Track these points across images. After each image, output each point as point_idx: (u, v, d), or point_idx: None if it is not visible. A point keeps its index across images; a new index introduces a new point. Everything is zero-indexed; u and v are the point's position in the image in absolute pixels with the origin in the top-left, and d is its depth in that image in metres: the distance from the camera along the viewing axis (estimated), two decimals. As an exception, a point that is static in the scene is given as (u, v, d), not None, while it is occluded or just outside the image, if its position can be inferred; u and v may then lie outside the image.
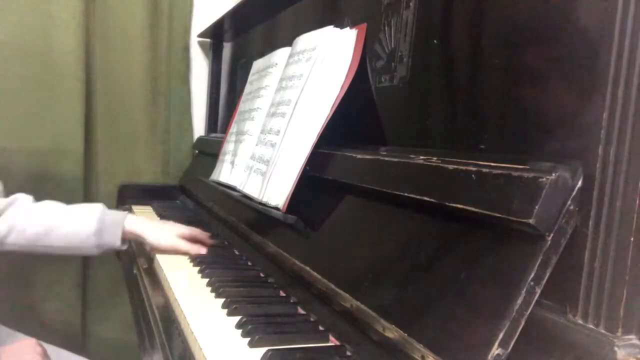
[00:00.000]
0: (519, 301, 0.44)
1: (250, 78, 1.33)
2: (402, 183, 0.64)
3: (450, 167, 0.57)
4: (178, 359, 0.70)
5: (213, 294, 0.85)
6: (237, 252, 1.13)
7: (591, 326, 0.44)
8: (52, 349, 1.10)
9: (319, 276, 0.72)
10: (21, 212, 1.08)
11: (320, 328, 0.73)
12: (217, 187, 1.23)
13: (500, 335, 0.44)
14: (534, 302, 0.45)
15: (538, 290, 0.45)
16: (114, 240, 1.09)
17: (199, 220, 1.47)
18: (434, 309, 0.52)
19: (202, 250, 1.08)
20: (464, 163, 0.55)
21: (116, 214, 1.13)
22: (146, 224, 1.12)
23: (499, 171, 0.50)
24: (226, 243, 1.21)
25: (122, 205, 1.72)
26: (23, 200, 1.12)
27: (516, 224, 0.47)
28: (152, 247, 1.10)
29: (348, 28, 0.90)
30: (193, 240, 1.11)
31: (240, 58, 1.72)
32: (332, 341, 0.70)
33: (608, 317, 0.44)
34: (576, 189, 0.46)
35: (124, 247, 1.12)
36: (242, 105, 1.30)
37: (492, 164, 0.52)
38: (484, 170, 0.52)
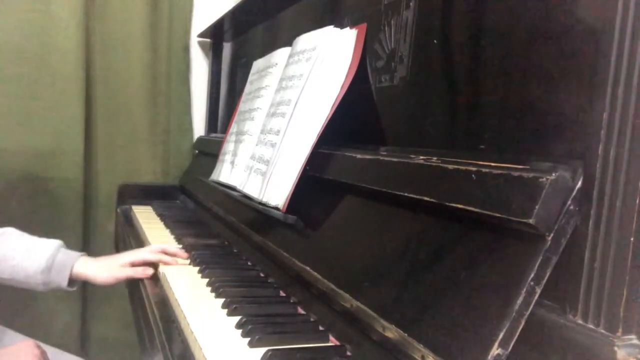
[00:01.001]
0: (519, 301, 0.44)
1: (250, 78, 1.33)
2: (402, 183, 0.64)
3: (450, 167, 0.57)
4: (178, 359, 0.70)
5: (213, 294, 0.85)
6: (237, 252, 1.13)
7: (591, 326, 0.44)
8: (51, 350, 1.10)
9: (319, 276, 0.72)
10: None
11: (320, 328, 0.73)
12: (217, 187, 1.23)
13: (500, 335, 0.44)
14: (534, 302, 0.45)
15: (538, 290, 0.45)
16: (60, 281, 1.06)
17: (199, 220, 1.47)
18: (434, 308, 0.52)
19: (148, 271, 1.05)
20: (464, 163, 0.55)
21: (68, 256, 1.08)
22: (93, 268, 1.08)
23: (499, 171, 0.50)
24: (226, 243, 1.21)
25: (122, 205, 1.72)
26: None
27: (516, 224, 0.47)
28: (101, 284, 1.09)
29: (348, 28, 0.90)
30: (141, 263, 1.08)
31: (240, 58, 1.72)
32: (332, 341, 0.70)
33: (608, 317, 0.43)
34: (576, 189, 0.46)
35: (73, 289, 1.10)
36: (242, 105, 1.30)
37: (492, 164, 0.52)
38: (484, 170, 0.52)
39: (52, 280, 1.06)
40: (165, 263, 1.05)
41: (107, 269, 1.08)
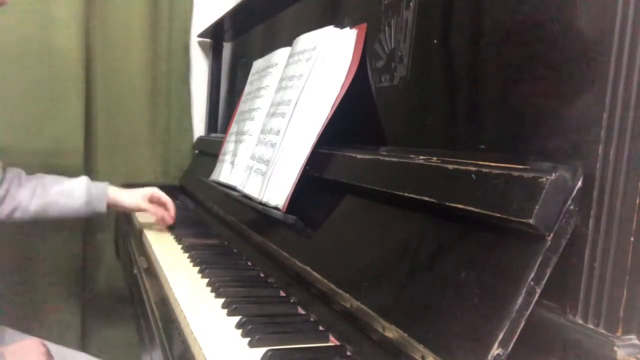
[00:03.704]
0: (519, 301, 0.44)
1: (250, 78, 1.33)
2: (402, 183, 0.64)
3: (450, 167, 0.57)
4: (178, 359, 0.70)
5: (213, 294, 0.85)
6: (237, 252, 1.13)
7: (591, 326, 0.44)
8: (54, 347, 1.11)
9: (319, 276, 0.72)
10: (22, 191, 1.25)
11: (320, 328, 0.73)
12: (217, 187, 1.23)
13: (500, 335, 0.44)
14: (534, 302, 0.45)
15: (538, 290, 0.45)
16: (101, 207, 1.32)
17: (199, 220, 1.47)
18: (434, 309, 0.52)
19: (166, 215, 1.34)
20: (464, 163, 0.55)
21: (99, 186, 1.33)
22: (122, 192, 1.35)
23: (499, 171, 0.50)
24: (226, 243, 1.21)
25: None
26: (19, 177, 1.27)
27: (516, 224, 0.47)
28: (127, 206, 1.35)
29: (348, 28, 0.90)
30: (157, 200, 1.35)
31: (240, 58, 1.72)
32: (332, 341, 0.70)
33: (608, 317, 0.44)
34: (576, 189, 0.46)
35: (105, 212, 1.35)
36: (242, 105, 1.30)
37: (492, 164, 0.52)
38: (484, 170, 0.52)
39: (93, 209, 1.31)
40: (167, 209, 1.34)
41: (134, 196, 1.35)
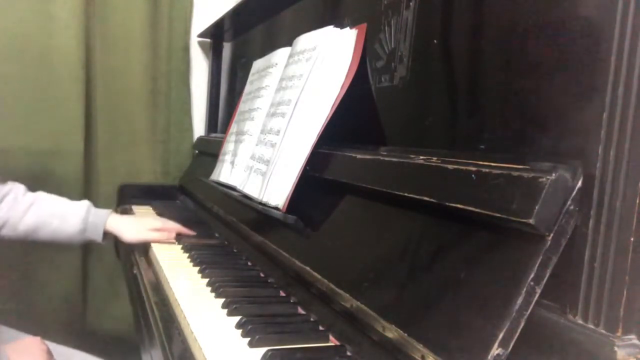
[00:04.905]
0: (519, 301, 0.44)
1: (250, 78, 1.33)
2: (402, 183, 0.64)
3: (450, 167, 0.57)
4: (178, 359, 0.70)
5: (213, 294, 0.86)
6: (237, 252, 1.13)
7: (591, 326, 0.44)
8: (53, 347, 1.11)
9: (319, 276, 0.72)
10: (15, 206, 1.18)
11: (320, 328, 0.73)
12: (217, 187, 1.23)
13: (500, 335, 0.44)
14: (534, 302, 0.45)
15: (538, 290, 0.45)
16: (96, 237, 1.23)
17: (199, 220, 1.47)
18: (434, 309, 0.52)
19: (171, 236, 1.21)
20: (464, 163, 0.55)
21: (99, 215, 1.24)
22: (123, 224, 1.24)
23: (499, 171, 0.50)
24: (226, 243, 1.21)
25: (122, 205, 1.71)
26: (17, 191, 1.21)
27: (516, 224, 0.47)
28: (128, 242, 1.22)
29: (348, 28, 0.90)
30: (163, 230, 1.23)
31: (240, 58, 1.72)
32: (332, 341, 0.70)
33: (608, 317, 0.44)
34: (576, 189, 0.46)
35: (104, 242, 1.26)
36: (242, 105, 1.30)
37: (492, 164, 0.52)
38: (484, 170, 0.52)
39: (88, 237, 1.23)
40: (185, 234, 1.24)
41: (135, 228, 1.22)
